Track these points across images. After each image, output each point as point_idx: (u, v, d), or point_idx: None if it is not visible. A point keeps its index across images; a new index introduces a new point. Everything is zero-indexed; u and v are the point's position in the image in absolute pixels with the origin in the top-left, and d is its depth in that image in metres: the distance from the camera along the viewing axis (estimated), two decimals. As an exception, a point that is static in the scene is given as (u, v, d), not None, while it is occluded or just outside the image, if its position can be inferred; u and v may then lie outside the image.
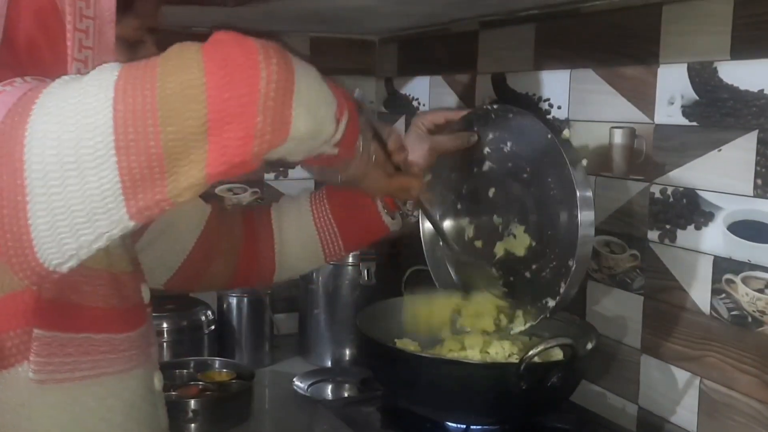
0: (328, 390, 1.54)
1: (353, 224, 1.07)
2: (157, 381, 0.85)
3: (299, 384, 1.52)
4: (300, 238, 1.08)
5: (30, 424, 0.71)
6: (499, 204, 1.13)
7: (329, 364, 1.66)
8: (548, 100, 1.33)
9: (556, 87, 1.30)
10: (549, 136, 1.02)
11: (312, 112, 0.63)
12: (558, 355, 1.02)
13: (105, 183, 0.58)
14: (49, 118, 0.58)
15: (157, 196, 0.59)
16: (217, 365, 1.51)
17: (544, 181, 1.05)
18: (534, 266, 1.07)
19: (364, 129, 0.77)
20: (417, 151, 1.04)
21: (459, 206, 1.18)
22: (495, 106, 1.15)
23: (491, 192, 1.13)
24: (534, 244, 1.08)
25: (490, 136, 1.11)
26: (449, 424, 1.06)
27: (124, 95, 0.58)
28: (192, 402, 1.34)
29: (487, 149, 1.12)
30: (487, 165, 1.13)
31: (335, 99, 0.66)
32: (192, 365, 1.50)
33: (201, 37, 0.62)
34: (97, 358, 0.75)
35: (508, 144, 1.10)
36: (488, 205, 1.14)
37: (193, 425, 1.33)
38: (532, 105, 1.36)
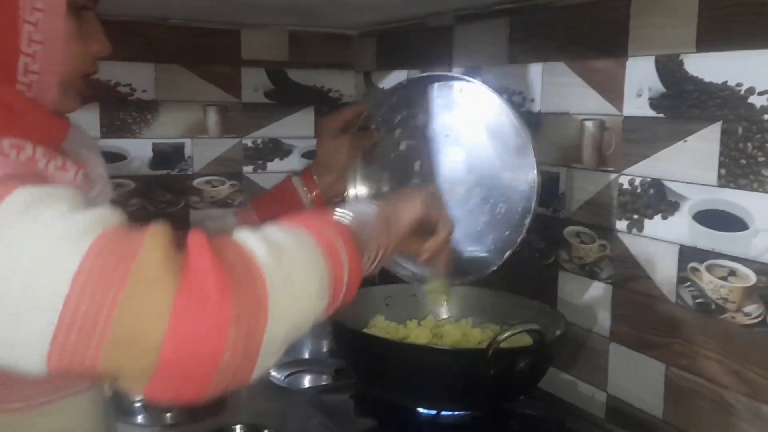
0: (305, 381, 1.54)
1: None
2: (107, 388, 0.84)
3: (276, 375, 1.52)
4: None
5: None
6: (427, 172, 1.17)
7: (307, 355, 1.66)
8: (522, 93, 1.34)
9: (530, 80, 1.32)
10: (461, 90, 1.08)
11: (283, 344, 0.59)
12: (527, 341, 1.03)
13: (33, 361, 0.53)
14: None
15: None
16: (193, 356, 1.51)
17: (474, 136, 1.11)
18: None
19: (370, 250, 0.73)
20: (338, 153, 1.06)
21: (385, 189, 1.23)
22: (386, 88, 1.21)
23: (417, 165, 1.17)
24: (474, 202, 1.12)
25: (398, 117, 1.16)
26: (420, 410, 1.08)
27: (79, 298, 0.51)
28: (168, 392, 1.34)
29: (398, 131, 1.16)
30: (404, 144, 1.17)
31: (326, 290, 0.62)
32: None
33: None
34: (53, 385, 0.73)
35: (419, 116, 1.14)
36: (417, 177, 1.18)
37: (168, 414, 1.33)
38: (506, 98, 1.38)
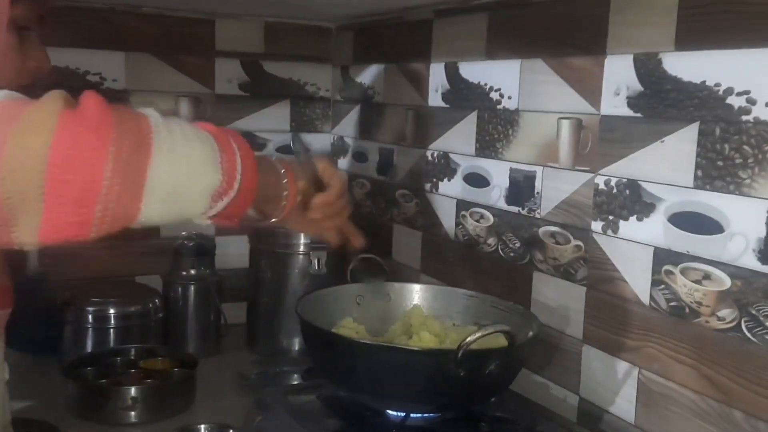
0: (275, 379, 1.51)
1: None
2: (7, 372, 0.84)
3: (245, 374, 1.49)
4: None
5: None
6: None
7: (277, 354, 1.63)
8: (499, 90, 1.32)
9: (507, 77, 1.30)
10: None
11: (168, 203, 0.63)
12: (498, 343, 1.01)
13: None
14: None
15: (5, 239, 0.60)
16: (159, 353, 1.48)
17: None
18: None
19: (272, 178, 0.79)
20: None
21: None
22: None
23: None
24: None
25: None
26: (389, 412, 1.05)
27: None
28: (132, 390, 1.31)
29: None
30: None
31: (220, 177, 0.67)
32: (133, 353, 1.46)
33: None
34: None
35: None
36: None
37: (132, 413, 1.30)
38: (483, 95, 1.36)
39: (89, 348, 1.48)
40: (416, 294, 1.24)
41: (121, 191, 0.60)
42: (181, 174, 0.64)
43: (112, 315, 1.51)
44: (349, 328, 1.16)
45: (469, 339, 0.93)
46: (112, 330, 1.51)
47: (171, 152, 0.63)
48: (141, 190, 0.61)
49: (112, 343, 1.50)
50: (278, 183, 0.81)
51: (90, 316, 1.49)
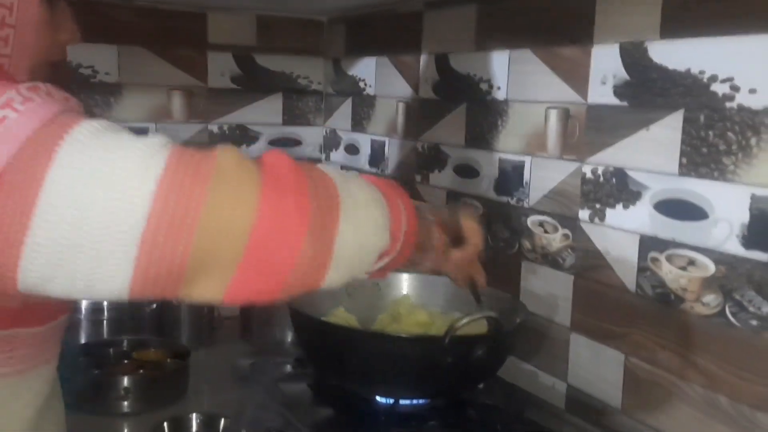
0: (268, 370, 1.52)
1: None
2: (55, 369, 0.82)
3: (238, 364, 1.50)
4: None
5: None
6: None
7: (271, 345, 1.64)
8: (489, 81, 1.33)
9: (497, 68, 1.30)
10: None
11: (347, 269, 0.63)
12: (486, 330, 1.02)
13: (116, 271, 0.54)
14: (75, 173, 0.53)
15: (165, 294, 0.57)
16: (152, 344, 1.49)
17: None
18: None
19: (426, 232, 0.79)
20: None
21: None
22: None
23: None
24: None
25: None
26: (377, 399, 1.06)
27: (167, 197, 0.54)
28: (124, 379, 1.31)
29: None
30: None
31: (388, 239, 0.67)
32: (125, 344, 1.47)
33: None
34: (19, 354, 0.71)
35: None
36: None
37: (125, 403, 1.30)
38: (473, 86, 1.36)
39: (83, 339, 1.49)
40: (405, 283, 1.25)
41: (312, 261, 0.59)
42: (361, 241, 0.64)
43: (105, 306, 1.52)
44: (340, 317, 1.17)
45: (456, 325, 0.94)
46: (105, 321, 1.52)
47: (356, 220, 0.63)
48: (329, 259, 0.60)
49: (105, 335, 1.50)
50: (429, 237, 0.81)
51: (83, 308, 1.51)
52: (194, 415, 1.25)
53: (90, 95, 1.62)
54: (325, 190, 0.62)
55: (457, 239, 0.88)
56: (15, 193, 0.53)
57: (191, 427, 1.25)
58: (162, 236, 0.54)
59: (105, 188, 0.53)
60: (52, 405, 0.79)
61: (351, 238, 0.62)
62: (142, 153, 0.55)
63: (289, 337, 1.64)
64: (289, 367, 1.52)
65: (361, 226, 0.64)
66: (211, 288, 0.57)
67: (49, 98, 0.59)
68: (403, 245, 0.71)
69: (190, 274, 0.56)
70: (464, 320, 0.94)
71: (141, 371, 1.36)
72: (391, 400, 1.05)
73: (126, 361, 1.41)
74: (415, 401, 1.06)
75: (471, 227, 0.90)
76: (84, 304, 1.51)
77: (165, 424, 1.22)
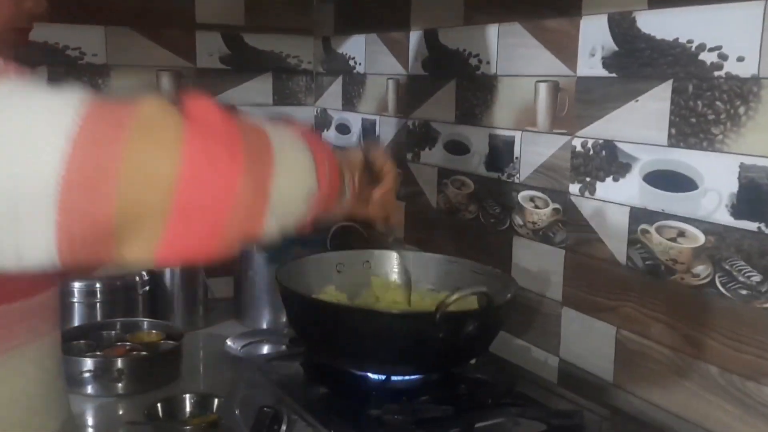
0: (261, 351, 1.52)
1: None
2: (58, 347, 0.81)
3: (232, 345, 1.50)
4: None
5: None
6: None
7: (264, 326, 1.64)
8: (478, 55, 1.32)
9: (485, 42, 1.29)
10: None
11: (283, 216, 0.61)
12: (477, 305, 1.02)
13: (40, 237, 0.51)
14: None
15: (99, 256, 0.54)
16: (145, 326, 1.49)
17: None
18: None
19: (342, 170, 0.77)
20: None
21: None
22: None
23: None
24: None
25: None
26: (369, 375, 1.06)
27: (81, 152, 0.50)
28: (118, 361, 1.31)
29: None
30: None
31: (314, 169, 0.64)
32: (119, 326, 1.47)
33: None
34: (16, 330, 0.71)
35: None
36: None
37: (119, 384, 1.31)
38: (462, 61, 1.35)
39: (76, 321, 1.49)
40: (396, 260, 1.24)
41: (248, 208, 0.56)
42: (294, 185, 0.62)
43: (98, 289, 1.52)
44: (330, 295, 1.17)
45: (447, 300, 0.93)
46: (98, 303, 1.52)
47: (287, 163, 0.61)
48: (265, 205, 0.58)
49: (99, 317, 1.50)
50: (345, 179, 0.79)
51: (76, 290, 1.50)
52: (188, 395, 1.26)
53: (77, 77, 1.60)
54: (256, 133, 0.59)
55: (371, 179, 0.87)
56: None
57: (185, 407, 1.25)
58: (79, 194, 0.50)
59: (14, 152, 0.50)
60: (55, 387, 0.78)
61: (285, 182, 0.60)
62: (53, 111, 0.52)
63: (283, 319, 1.64)
64: (283, 347, 1.53)
65: (293, 170, 0.62)
66: (144, 245, 0.53)
67: None
68: (328, 189, 0.69)
69: (119, 232, 0.52)
70: (455, 296, 0.94)
71: (134, 353, 1.37)
72: (383, 377, 1.05)
73: (119, 343, 1.41)
74: (407, 377, 1.06)
75: (383, 165, 0.89)
76: (77, 285, 1.50)
77: (159, 404, 1.22)
